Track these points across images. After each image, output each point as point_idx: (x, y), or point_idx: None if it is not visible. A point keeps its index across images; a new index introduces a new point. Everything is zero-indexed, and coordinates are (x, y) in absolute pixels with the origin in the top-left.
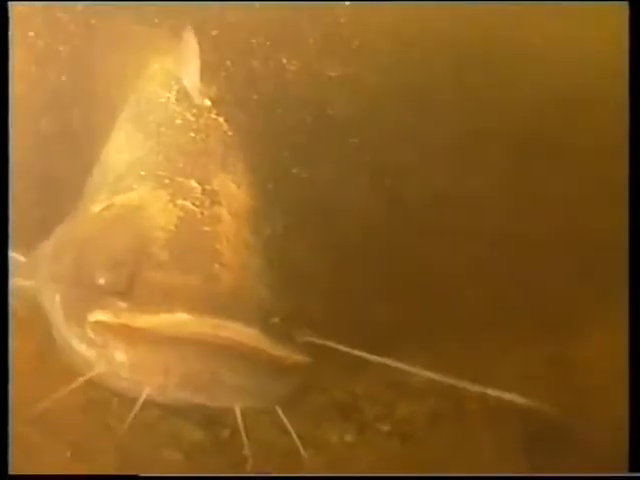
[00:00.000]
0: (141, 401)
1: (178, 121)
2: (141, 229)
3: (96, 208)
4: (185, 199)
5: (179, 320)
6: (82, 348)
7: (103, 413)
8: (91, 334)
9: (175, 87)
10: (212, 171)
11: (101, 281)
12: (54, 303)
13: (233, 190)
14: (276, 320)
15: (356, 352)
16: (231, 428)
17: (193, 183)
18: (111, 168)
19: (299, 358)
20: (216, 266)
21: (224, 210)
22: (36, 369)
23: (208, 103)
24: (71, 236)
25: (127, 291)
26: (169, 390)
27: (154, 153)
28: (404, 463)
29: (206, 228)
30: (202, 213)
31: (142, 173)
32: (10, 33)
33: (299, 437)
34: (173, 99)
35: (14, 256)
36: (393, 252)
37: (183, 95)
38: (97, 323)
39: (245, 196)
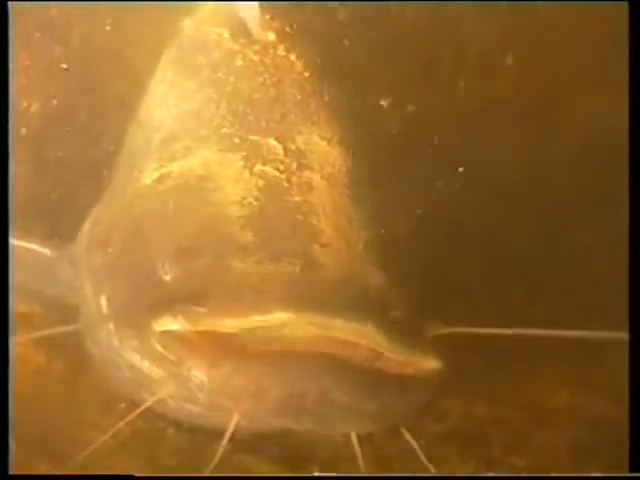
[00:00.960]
0: (229, 434)
1: (238, 62)
2: (212, 205)
3: (147, 179)
4: (264, 164)
5: (275, 322)
6: (144, 366)
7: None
8: (159, 348)
9: (228, 21)
10: (293, 124)
11: (167, 277)
12: (98, 307)
13: (323, 148)
14: (398, 313)
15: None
16: (320, 465)
17: (272, 142)
18: (156, 127)
19: (430, 363)
20: (315, 248)
21: (316, 175)
22: (68, 398)
23: (272, 37)
24: (115, 218)
25: (205, 289)
26: (263, 416)
27: (213, 105)
28: None
29: (296, 199)
30: (289, 180)
31: (202, 132)
32: (10, 33)
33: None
34: (227, 35)
35: (31, 247)
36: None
37: (240, 29)
38: (166, 333)
39: (338, 155)
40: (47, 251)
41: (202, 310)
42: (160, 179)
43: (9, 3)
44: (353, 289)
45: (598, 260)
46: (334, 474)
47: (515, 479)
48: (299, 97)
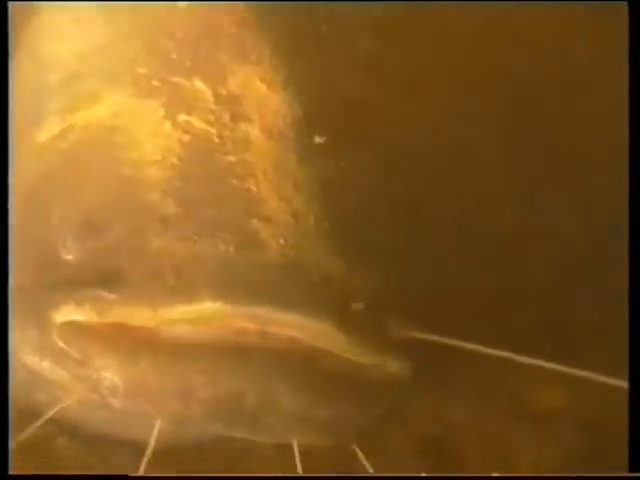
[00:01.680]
0: (152, 442)
1: None
2: (124, 166)
3: (44, 135)
4: (189, 113)
5: (203, 313)
6: (43, 367)
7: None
8: (60, 343)
9: None
10: (225, 63)
11: (69, 256)
12: None
13: (262, 92)
14: (360, 306)
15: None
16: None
17: (199, 85)
18: (53, 66)
19: (393, 366)
20: (254, 222)
21: (254, 127)
22: None
23: None
24: (20, 178)
25: (116, 271)
26: (192, 423)
27: (124, 38)
28: None
29: (230, 158)
30: (220, 135)
31: (112, 71)
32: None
33: None
34: None
35: None
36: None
37: None
38: (69, 325)
39: (282, 102)
40: None
41: (112, 297)
42: (61, 135)
43: (9, 3)
44: (302, 274)
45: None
46: (334, 474)
47: (515, 479)
48: (234, 29)
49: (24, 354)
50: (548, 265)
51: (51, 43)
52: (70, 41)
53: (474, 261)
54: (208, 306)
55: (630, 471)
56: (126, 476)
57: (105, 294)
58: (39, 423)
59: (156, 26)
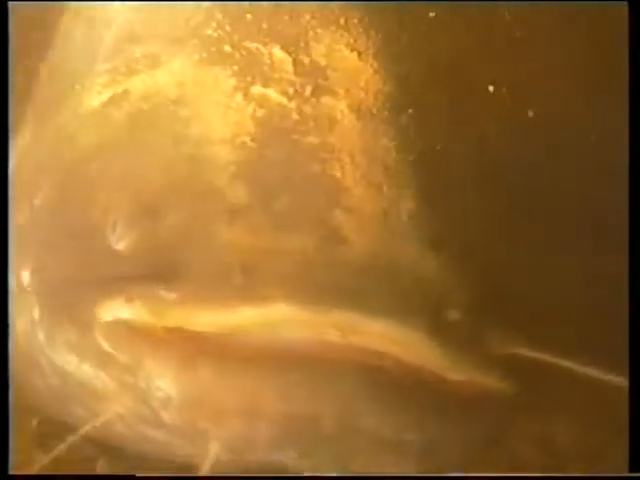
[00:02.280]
0: (208, 465)
1: None
2: (187, 143)
3: (93, 101)
4: (265, 84)
5: (277, 317)
6: (82, 372)
7: None
8: (105, 345)
9: None
10: (308, 27)
11: (120, 245)
12: (19, 285)
13: (352, 64)
14: (456, 315)
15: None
16: None
17: (277, 52)
18: (107, 21)
19: (495, 385)
20: (337, 213)
21: (341, 104)
22: None
23: None
24: (46, 157)
25: (175, 265)
26: (256, 447)
27: None
28: None
29: (311, 139)
30: (301, 111)
31: (176, 33)
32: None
33: None
34: None
35: None
36: None
37: None
38: (117, 325)
39: (373, 75)
40: None
41: (170, 295)
42: (112, 101)
43: (9, 3)
44: (392, 276)
45: None
46: (334, 474)
47: (515, 479)
48: None
49: (58, 356)
50: None
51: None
52: None
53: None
54: (282, 310)
55: (630, 471)
56: (133, 476)
57: (161, 291)
58: (73, 439)
59: None
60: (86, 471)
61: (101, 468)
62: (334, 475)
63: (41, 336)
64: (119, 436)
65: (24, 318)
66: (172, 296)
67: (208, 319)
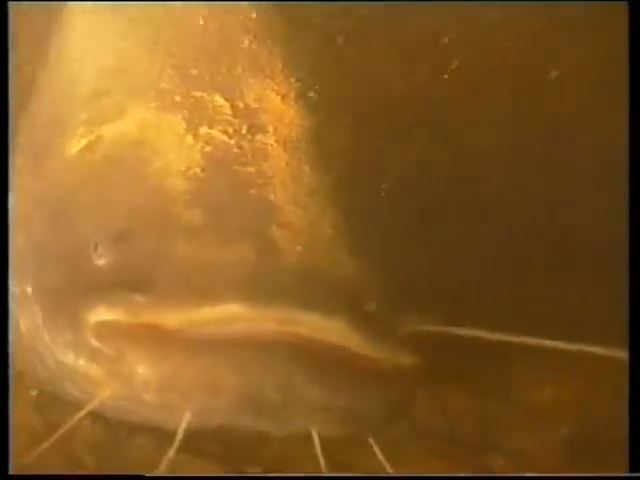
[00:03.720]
0: (180, 433)
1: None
2: (150, 177)
3: (73, 148)
4: (210, 126)
5: (229, 314)
6: (79, 364)
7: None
8: (94, 342)
9: None
10: (242, 78)
11: (101, 262)
12: (24, 296)
13: (277, 106)
14: (372, 306)
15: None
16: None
17: (218, 99)
18: (77, 81)
19: (405, 359)
20: (273, 228)
21: (270, 139)
22: None
23: None
24: (39, 193)
25: (146, 276)
26: (219, 415)
27: (147, 54)
28: None
29: (249, 169)
30: (239, 146)
31: (136, 85)
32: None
33: None
34: None
35: None
36: None
37: None
38: (103, 325)
39: (296, 114)
40: None
41: (143, 299)
42: (88, 147)
43: (9, 3)
44: (319, 277)
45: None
46: (334, 474)
47: (515, 479)
48: (247, 43)
49: (60, 353)
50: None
51: (76, 59)
52: (94, 58)
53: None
54: (232, 308)
55: (630, 471)
56: (141, 476)
57: (137, 297)
58: (80, 415)
59: (175, 42)
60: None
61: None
62: (334, 475)
63: (47, 337)
64: (106, 409)
65: (30, 322)
66: (145, 300)
67: (175, 317)
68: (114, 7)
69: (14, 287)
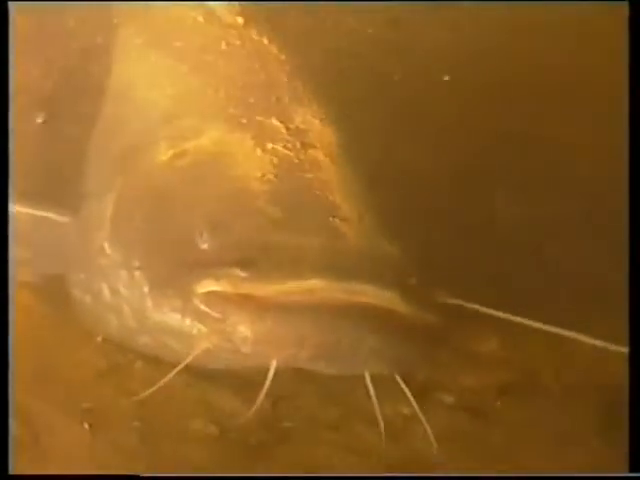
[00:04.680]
0: (271, 375)
1: (223, 47)
2: (234, 180)
3: (161, 156)
4: (274, 142)
5: (310, 287)
6: (185, 324)
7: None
8: (202, 307)
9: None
10: (289, 106)
11: (205, 246)
12: (127, 274)
13: (318, 127)
14: (413, 281)
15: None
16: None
17: (275, 122)
18: (152, 107)
19: (434, 320)
20: (335, 220)
21: (319, 152)
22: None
23: (241, 21)
24: (136, 191)
25: (244, 258)
26: (300, 362)
27: (210, 87)
28: None
29: (309, 175)
30: (298, 157)
31: (207, 112)
32: (10, 33)
33: None
34: (201, 19)
35: (46, 215)
36: None
37: (210, 14)
38: (210, 294)
39: (332, 133)
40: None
41: (243, 274)
42: (176, 156)
43: (9, 3)
44: (374, 259)
45: None
46: (335, 474)
47: (515, 479)
48: (286, 80)
49: (163, 315)
50: None
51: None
52: (163, 88)
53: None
54: (313, 283)
55: (630, 471)
56: (137, 476)
57: (237, 272)
58: (185, 363)
59: (229, 76)
60: None
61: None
62: (334, 475)
63: (149, 302)
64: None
65: (131, 293)
66: (244, 275)
67: (268, 289)
68: (178, 52)
69: (116, 265)
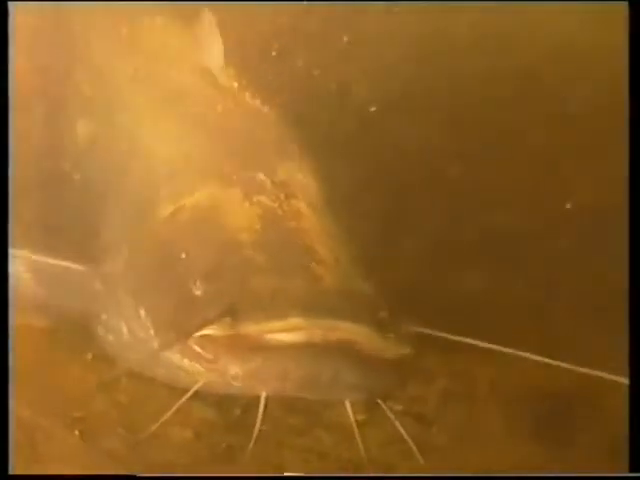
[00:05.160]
0: (262, 408)
1: (219, 108)
2: (225, 231)
3: (164, 212)
4: (259, 195)
5: (292, 325)
6: (184, 363)
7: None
8: (197, 349)
9: (198, 69)
10: (273, 160)
11: (198, 292)
12: (137, 317)
13: (301, 179)
14: (384, 314)
15: (467, 340)
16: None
17: (261, 176)
18: (159, 161)
19: (404, 350)
20: (313, 264)
21: (301, 203)
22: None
23: (236, 85)
24: (143, 244)
25: (231, 302)
26: (286, 392)
27: (208, 144)
28: None
29: (292, 224)
30: (281, 208)
31: (204, 170)
32: (10, 33)
33: None
34: (202, 83)
35: (67, 265)
36: None
37: (210, 78)
38: (203, 337)
39: (314, 185)
40: (80, 267)
41: (230, 319)
42: (176, 212)
43: (9, 3)
44: (347, 297)
45: None
46: (337, 474)
47: (515, 479)
48: (272, 136)
49: (170, 354)
50: None
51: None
52: (168, 144)
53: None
54: (293, 321)
55: (630, 471)
56: (134, 476)
57: (226, 318)
58: (189, 395)
59: (225, 135)
60: None
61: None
62: (334, 475)
63: (156, 344)
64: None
65: (143, 334)
66: (231, 319)
67: (254, 329)
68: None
69: (130, 308)
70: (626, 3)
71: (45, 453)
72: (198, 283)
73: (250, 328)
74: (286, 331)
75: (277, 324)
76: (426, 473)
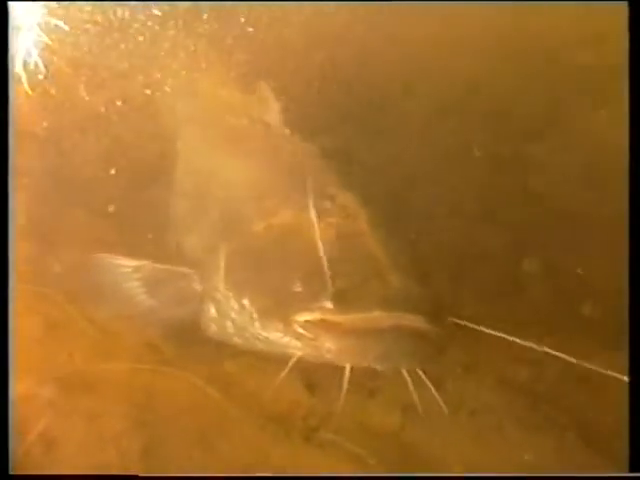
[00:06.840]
0: (347, 375)
1: (277, 148)
2: (310, 244)
3: (256, 227)
4: (329, 217)
5: (375, 316)
6: (285, 340)
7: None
8: (301, 330)
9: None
10: (331, 190)
11: (298, 289)
12: (240, 306)
13: (353, 203)
14: (433, 307)
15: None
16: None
17: (327, 203)
18: (240, 187)
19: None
20: (383, 270)
21: (362, 222)
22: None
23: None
24: (240, 251)
25: (331, 297)
26: (365, 364)
27: (283, 175)
28: None
29: (359, 239)
30: (348, 227)
31: (279, 195)
32: (10, 33)
33: None
34: (262, 128)
35: (176, 269)
36: None
37: (265, 124)
38: (305, 322)
39: (361, 209)
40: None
41: (330, 307)
42: (267, 227)
43: (9, 3)
44: (410, 295)
45: None
46: (334, 474)
47: (515, 479)
48: (319, 170)
49: (270, 333)
50: None
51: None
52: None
53: None
54: (376, 314)
55: (630, 471)
56: (136, 476)
57: (325, 305)
58: (290, 365)
59: (292, 169)
60: None
61: None
62: (334, 475)
63: (257, 325)
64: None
65: (244, 318)
66: (330, 307)
67: (346, 318)
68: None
69: (232, 300)
70: (626, 3)
71: None
72: (299, 284)
73: (344, 317)
74: (370, 321)
75: (364, 315)
76: None
